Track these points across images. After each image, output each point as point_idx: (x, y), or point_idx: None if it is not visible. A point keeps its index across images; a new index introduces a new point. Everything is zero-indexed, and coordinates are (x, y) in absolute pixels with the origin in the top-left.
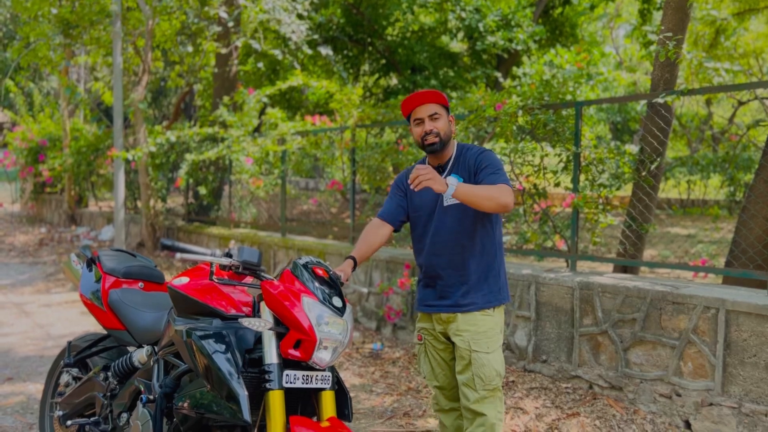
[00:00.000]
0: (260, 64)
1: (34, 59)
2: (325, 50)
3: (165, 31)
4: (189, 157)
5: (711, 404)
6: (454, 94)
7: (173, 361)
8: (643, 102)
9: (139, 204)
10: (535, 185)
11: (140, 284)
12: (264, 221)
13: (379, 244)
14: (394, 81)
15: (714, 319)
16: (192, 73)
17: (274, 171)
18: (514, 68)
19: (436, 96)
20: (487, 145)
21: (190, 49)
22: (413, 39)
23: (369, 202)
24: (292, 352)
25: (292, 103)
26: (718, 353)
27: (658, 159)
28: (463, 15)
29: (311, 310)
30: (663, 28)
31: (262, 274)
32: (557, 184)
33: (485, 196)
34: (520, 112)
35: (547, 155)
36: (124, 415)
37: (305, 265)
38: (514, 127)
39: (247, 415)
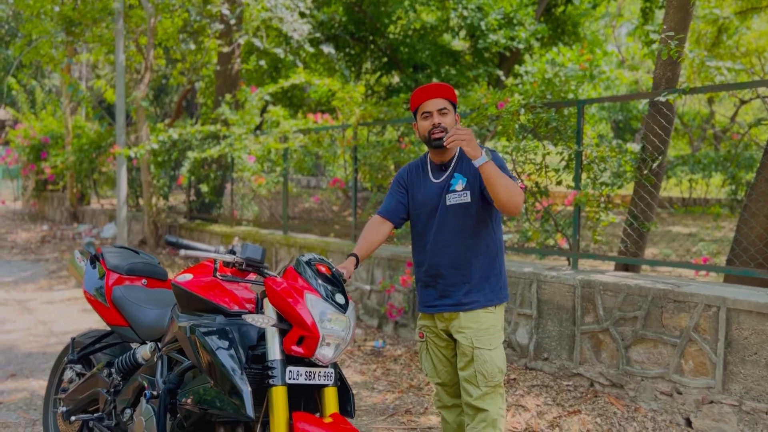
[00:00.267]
0: (262, 62)
1: (36, 57)
2: (327, 48)
3: (167, 28)
4: (191, 154)
5: (712, 402)
6: (455, 93)
7: (177, 358)
8: (645, 100)
9: (141, 201)
10: (537, 183)
11: (143, 281)
12: (266, 219)
13: (380, 242)
14: (396, 79)
15: (715, 317)
16: (194, 71)
17: (276, 169)
18: (516, 66)
19: (446, 91)
20: (488, 144)
21: (192, 46)
22: (415, 37)
23: (371, 200)
24: (295, 348)
25: (294, 101)
26: (719, 351)
27: (660, 157)
28: (465, 13)
29: (314, 306)
30: (665, 26)
31: (266, 271)
32: (559, 183)
33: (507, 186)
34: (522, 111)
35: (549, 153)
36: (128, 411)
37: (308, 263)
38: (516, 126)
39: (250, 410)
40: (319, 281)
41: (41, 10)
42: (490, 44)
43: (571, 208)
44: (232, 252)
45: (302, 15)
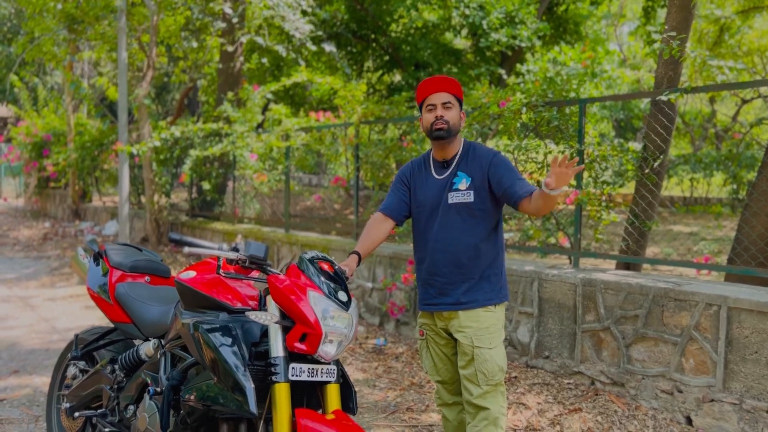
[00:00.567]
0: (264, 60)
1: (39, 54)
2: (329, 47)
3: (169, 26)
4: (193, 152)
5: (712, 400)
6: (461, 88)
7: (180, 354)
8: (647, 99)
9: (143, 199)
10: (538, 182)
11: (146, 278)
12: (268, 217)
13: (382, 239)
14: (397, 78)
15: (716, 316)
16: (196, 69)
17: (277, 167)
18: (518, 65)
19: (453, 86)
20: (490, 142)
21: (194, 44)
22: (417, 35)
23: (373, 198)
24: (298, 345)
25: (295, 99)
26: (720, 350)
27: (662, 156)
28: (467, 12)
29: (317, 304)
30: (667, 26)
31: (269, 268)
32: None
33: (554, 202)
34: (524, 110)
35: (550, 152)
36: (131, 408)
37: (311, 260)
38: (518, 124)
39: (253, 407)
40: (322, 279)
41: (44, 7)
42: (491, 43)
43: (572, 207)
44: (236, 249)
45: (304, 13)
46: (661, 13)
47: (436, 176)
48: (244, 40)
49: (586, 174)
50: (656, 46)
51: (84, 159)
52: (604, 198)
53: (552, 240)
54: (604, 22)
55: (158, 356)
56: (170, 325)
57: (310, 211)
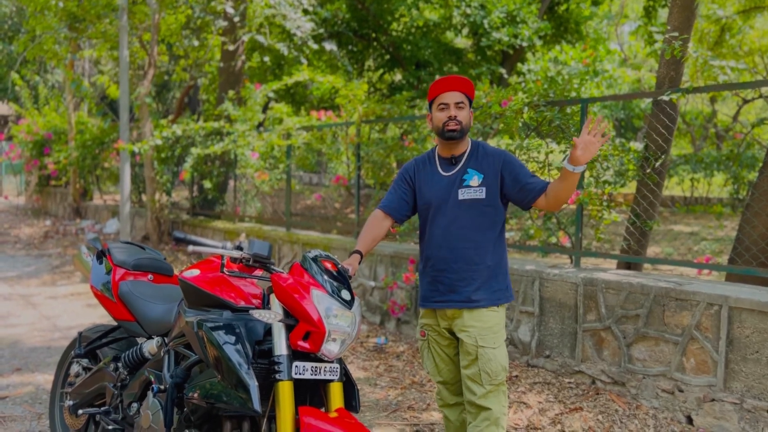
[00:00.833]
0: (266, 59)
1: (40, 52)
2: (330, 45)
3: (170, 25)
4: (194, 151)
5: (713, 400)
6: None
7: (184, 352)
8: (648, 99)
9: (144, 197)
10: None
11: (150, 276)
12: (268, 216)
13: (382, 237)
14: (398, 77)
15: (717, 316)
16: (197, 68)
17: (279, 166)
18: (519, 65)
19: (466, 85)
20: (491, 142)
21: (195, 43)
22: (418, 34)
23: (374, 197)
24: (301, 343)
25: (296, 98)
26: (721, 349)
27: (663, 156)
28: (468, 11)
29: (320, 302)
30: (669, 26)
31: (272, 266)
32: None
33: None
34: (526, 109)
35: (551, 152)
36: (135, 405)
37: (314, 259)
38: (520, 124)
39: (257, 405)
40: (325, 277)
41: (45, 5)
42: (493, 42)
43: (573, 207)
44: (239, 248)
45: (305, 12)
46: (662, 13)
47: (443, 173)
48: (245, 38)
49: (587, 174)
50: (657, 45)
51: (85, 157)
52: (605, 198)
53: (553, 239)
54: (605, 21)
55: (162, 354)
56: (174, 323)
57: (311, 210)
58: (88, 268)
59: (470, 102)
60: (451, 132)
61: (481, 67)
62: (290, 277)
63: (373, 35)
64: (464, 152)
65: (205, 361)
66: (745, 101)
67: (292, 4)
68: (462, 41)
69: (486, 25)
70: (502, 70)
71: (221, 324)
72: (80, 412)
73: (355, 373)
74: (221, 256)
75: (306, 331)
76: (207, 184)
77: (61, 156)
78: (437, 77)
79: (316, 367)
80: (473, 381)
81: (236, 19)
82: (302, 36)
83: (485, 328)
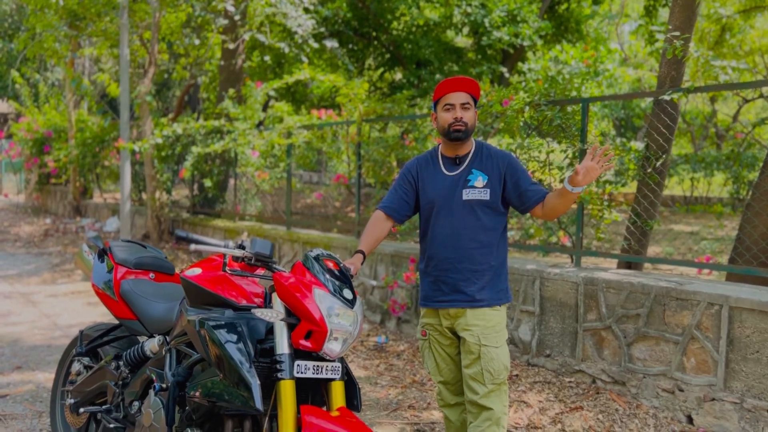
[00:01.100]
0: (267, 58)
1: (40, 50)
2: (331, 43)
3: (171, 23)
4: (195, 149)
5: (713, 399)
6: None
7: (185, 351)
8: (648, 99)
9: (144, 196)
10: (540, 181)
11: (151, 275)
12: (269, 214)
13: (383, 237)
14: (398, 76)
15: (717, 316)
16: (197, 66)
17: (279, 164)
18: (519, 64)
19: (472, 86)
20: (492, 141)
21: (196, 41)
22: (418, 33)
23: (374, 196)
24: (303, 342)
25: (296, 96)
26: (721, 349)
27: (664, 156)
28: (469, 10)
29: (322, 301)
30: (670, 25)
31: (274, 265)
32: (562, 181)
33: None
34: (527, 108)
35: (552, 151)
36: (136, 404)
37: (317, 258)
38: (521, 123)
39: (259, 403)
40: (327, 276)
41: (45, 3)
42: (493, 41)
43: (573, 206)
44: (241, 247)
45: (306, 10)
46: (662, 12)
47: (447, 173)
48: (246, 37)
49: None
50: (658, 45)
51: (85, 155)
52: (605, 197)
53: (553, 239)
54: (606, 20)
55: (163, 353)
56: (175, 321)
57: (311, 209)
58: (90, 267)
59: (475, 102)
60: (456, 133)
61: (481, 66)
62: (292, 276)
63: (374, 34)
64: (468, 152)
65: (207, 360)
66: (746, 101)
67: (292, 3)
68: (462, 40)
69: (486, 24)
70: (503, 69)
71: (223, 323)
72: (81, 410)
73: (356, 371)
74: (223, 255)
75: (308, 330)
76: (207, 183)
77: (61, 154)
78: (437, 76)
79: (317, 366)
80: (475, 380)
81: (237, 17)
82: (303, 34)
83: (488, 327)
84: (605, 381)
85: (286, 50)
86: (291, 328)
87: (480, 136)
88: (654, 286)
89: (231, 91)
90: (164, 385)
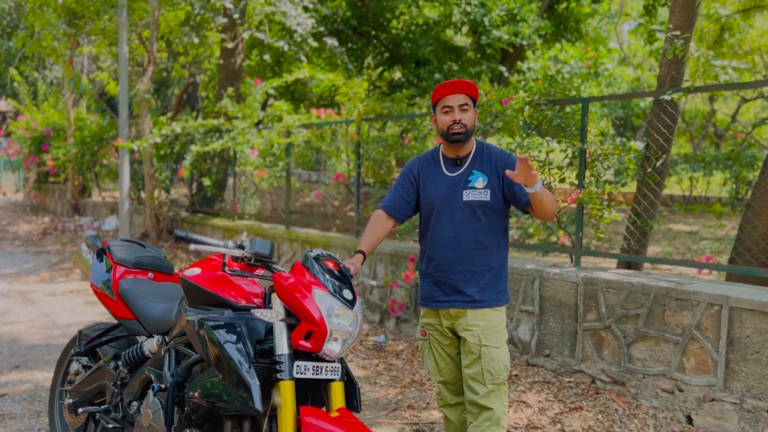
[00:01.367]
0: (266, 56)
1: (38, 49)
2: (331, 41)
3: (170, 21)
4: (194, 148)
5: (713, 400)
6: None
7: (185, 351)
8: (648, 99)
9: (143, 195)
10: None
11: (150, 275)
12: (268, 213)
13: (384, 237)
14: (397, 74)
15: (717, 316)
16: (196, 65)
17: (278, 163)
18: (519, 63)
19: (469, 87)
20: (491, 140)
21: (195, 40)
22: (418, 32)
23: (374, 195)
24: (302, 343)
25: (295, 95)
26: (721, 349)
27: (664, 156)
28: (468, 9)
29: (322, 301)
30: (671, 25)
31: (274, 266)
32: (562, 180)
33: (553, 201)
34: (527, 108)
35: (552, 150)
36: (135, 404)
37: (316, 258)
38: (521, 122)
39: (258, 404)
40: (327, 276)
41: (44, 2)
42: (493, 40)
43: (573, 206)
44: (241, 247)
45: (306, 9)
46: (662, 12)
47: (448, 173)
48: (245, 35)
49: (588, 173)
50: (657, 44)
51: (84, 154)
52: (605, 197)
53: (553, 238)
54: (605, 20)
55: (162, 353)
56: (174, 321)
57: (310, 208)
58: (88, 266)
59: (474, 103)
60: (456, 135)
61: (480, 65)
62: (292, 276)
63: (373, 33)
64: (469, 153)
65: (206, 360)
66: (745, 100)
67: (292, 1)
68: (462, 39)
69: (486, 23)
70: (502, 69)
71: (222, 323)
72: (80, 410)
73: (355, 371)
74: (222, 255)
75: (307, 331)
76: (206, 182)
77: (59, 153)
78: (437, 75)
79: (317, 366)
80: (475, 380)
81: (236, 15)
82: (302, 33)
83: (489, 327)
84: (605, 381)
85: (285, 49)
86: (290, 328)
87: (479, 135)
88: (654, 286)
89: (230, 89)
90: (163, 386)
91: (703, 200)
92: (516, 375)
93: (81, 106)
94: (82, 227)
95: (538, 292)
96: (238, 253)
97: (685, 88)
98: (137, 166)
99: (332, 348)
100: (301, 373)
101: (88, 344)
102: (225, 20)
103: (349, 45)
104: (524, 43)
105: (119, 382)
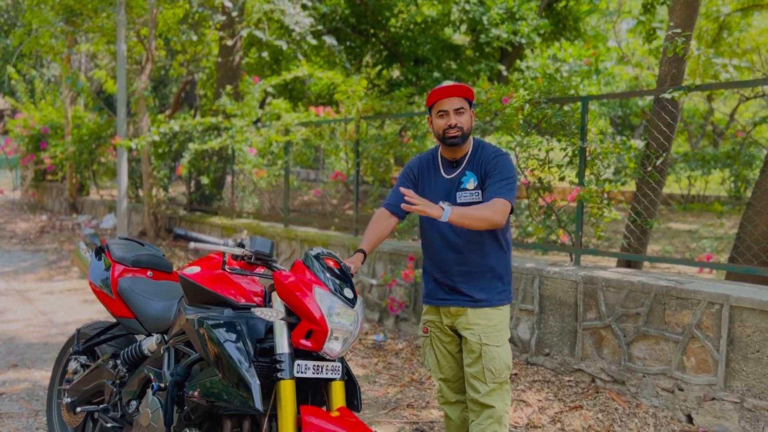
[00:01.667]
0: (264, 54)
1: (36, 46)
2: (330, 40)
3: (168, 19)
4: (192, 146)
5: (713, 399)
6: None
7: (184, 350)
8: (647, 97)
9: (141, 193)
10: (540, 179)
11: (149, 273)
12: (266, 212)
13: (386, 235)
14: (396, 73)
15: (718, 315)
16: (194, 63)
17: (277, 162)
18: (518, 62)
19: (463, 90)
20: (491, 138)
21: (194, 38)
22: (416, 31)
23: (372, 194)
24: (303, 342)
25: (294, 93)
26: (722, 348)
27: (664, 154)
28: (467, 7)
29: (323, 300)
30: (671, 23)
31: (274, 264)
32: (562, 179)
33: (478, 217)
34: (527, 106)
35: (551, 149)
36: (134, 403)
37: (317, 256)
38: (520, 121)
39: (259, 403)
40: (328, 275)
41: None
42: (492, 39)
43: (571, 204)
44: (241, 245)
45: (304, 7)
46: (660, 11)
47: (445, 175)
48: (243, 33)
49: (588, 171)
50: (656, 42)
51: (81, 152)
52: (605, 195)
53: (553, 237)
54: (603, 18)
55: (161, 352)
56: (174, 320)
57: (308, 206)
58: (87, 265)
59: (471, 104)
60: (452, 139)
61: (479, 63)
62: (292, 275)
63: (372, 31)
64: (466, 154)
65: (206, 359)
66: (747, 98)
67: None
68: (460, 38)
69: (485, 22)
70: (501, 67)
71: (222, 322)
72: (78, 409)
73: (354, 370)
74: (222, 253)
75: (308, 330)
76: (204, 180)
77: (57, 151)
78: (436, 74)
79: (318, 365)
80: (476, 379)
81: (234, 13)
82: (301, 31)
83: (489, 326)
84: (605, 380)
85: (284, 47)
86: (291, 327)
87: (478, 133)
88: (654, 285)
89: (228, 87)
90: (162, 385)
91: (701, 199)
92: (516, 374)
93: (79, 104)
94: (79, 225)
95: (537, 291)
96: (238, 251)
97: (686, 87)
98: (135, 164)
99: (333, 347)
100: (302, 373)
101: (86, 343)
102: (223, 18)
103: (348, 43)
104: (523, 41)
105: (118, 381)
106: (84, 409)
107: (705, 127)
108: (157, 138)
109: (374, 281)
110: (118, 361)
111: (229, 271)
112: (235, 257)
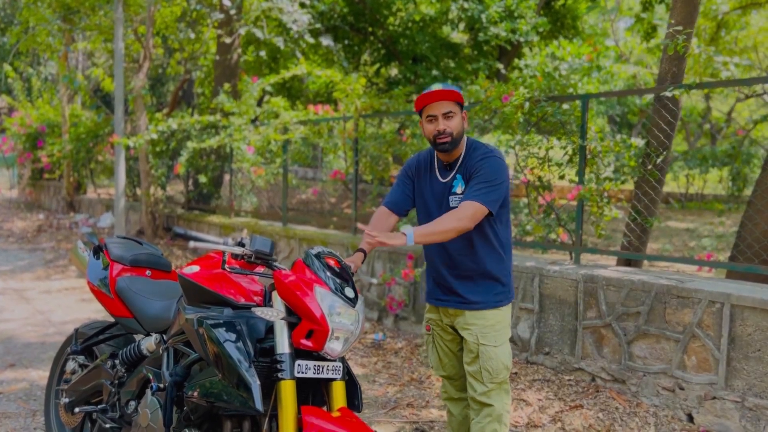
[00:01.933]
0: (262, 53)
1: (33, 44)
2: (327, 41)
3: (165, 17)
4: (190, 144)
5: (714, 398)
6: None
7: (183, 350)
8: (645, 96)
9: (139, 191)
10: (539, 178)
11: (148, 272)
12: (264, 210)
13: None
14: (394, 71)
15: (719, 314)
16: (192, 61)
17: (275, 160)
18: (516, 60)
19: (452, 94)
20: (490, 137)
21: (192, 35)
22: (415, 29)
23: (372, 192)
24: (304, 342)
25: (292, 92)
26: (723, 347)
27: (664, 153)
28: (466, 5)
29: (323, 300)
30: (672, 21)
31: (274, 263)
32: (561, 177)
33: (442, 231)
34: (527, 104)
35: (551, 147)
36: (132, 403)
37: (317, 255)
38: (521, 119)
39: (259, 404)
40: (329, 274)
41: None
42: (490, 37)
43: (571, 203)
44: (241, 244)
45: (302, 5)
46: (659, 9)
47: (440, 178)
48: (242, 31)
49: (587, 170)
50: (653, 41)
51: (79, 150)
52: (605, 194)
53: (553, 236)
54: (601, 17)
55: (160, 352)
56: (173, 320)
57: (306, 205)
58: (85, 264)
59: (461, 106)
60: (442, 144)
61: (478, 62)
62: (293, 274)
63: (370, 29)
64: (459, 156)
65: (206, 359)
66: (747, 96)
67: None
68: (459, 36)
69: (483, 20)
70: (500, 66)
71: (222, 321)
72: (76, 409)
73: (354, 369)
74: (222, 252)
75: (309, 329)
76: (202, 179)
77: (54, 149)
78: (434, 72)
79: (318, 365)
80: (475, 378)
81: (232, 11)
82: (299, 30)
83: (487, 326)
84: (605, 379)
85: (282, 45)
86: (291, 327)
87: (476, 132)
88: (655, 283)
89: (226, 85)
90: (161, 385)
91: (699, 197)
92: (515, 373)
93: (76, 102)
94: (77, 224)
95: (537, 290)
96: (238, 250)
97: (686, 85)
98: (133, 162)
99: (334, 347)
100: (302, 373)
101: (84, 342)
102: (221, 16)
103: (346, 41)
104: (522, 40)
105: (116, 381)
106: (82, 410)
107: (703, 125)
108: (154, 136)
109: (374, 280)
110: (117, 361)
111: (228, 270)
112: (234, 256)
